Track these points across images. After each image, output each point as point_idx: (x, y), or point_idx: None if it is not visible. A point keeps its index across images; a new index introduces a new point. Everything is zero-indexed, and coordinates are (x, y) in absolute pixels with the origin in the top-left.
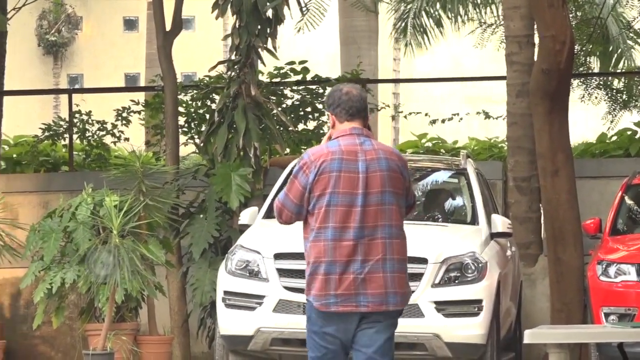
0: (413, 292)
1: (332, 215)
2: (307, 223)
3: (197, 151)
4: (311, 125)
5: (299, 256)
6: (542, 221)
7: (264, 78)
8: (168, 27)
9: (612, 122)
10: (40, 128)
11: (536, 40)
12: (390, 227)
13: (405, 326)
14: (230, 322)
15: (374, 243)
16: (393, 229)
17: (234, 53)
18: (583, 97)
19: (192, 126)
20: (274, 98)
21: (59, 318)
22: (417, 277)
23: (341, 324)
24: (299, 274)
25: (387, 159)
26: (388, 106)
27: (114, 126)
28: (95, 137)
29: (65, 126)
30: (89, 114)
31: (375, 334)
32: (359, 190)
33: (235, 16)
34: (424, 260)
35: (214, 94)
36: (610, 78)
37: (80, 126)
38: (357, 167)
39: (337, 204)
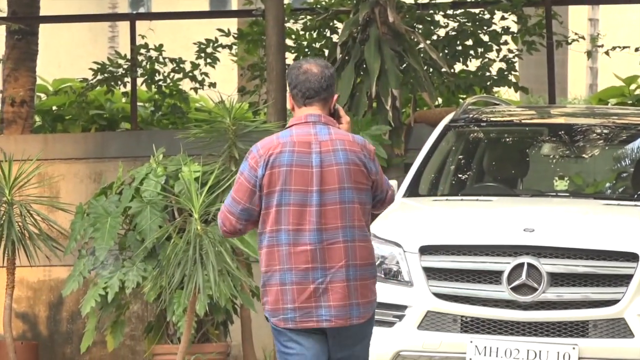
0: (617, 300)
1: (285, 217)
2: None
3: None
4: (473, 65)
5: (456, 250)
6: None
7: None
8: None
9: None
10: (90, 69)
11: None
12: (352, 229)
13: (606, 350)
14: None
15: (335, 248)
16: (356, 230)
17: None
18: None
19: None
20: (421, 27)
21: (116, 337)
22: (624, 279)
23: (307, 340)
24: (455, 275)
25: (347, 150)
26: (582, 38)
27: (195, 66)
28: (169, 81)
29: (125, 67)
30: (159, 49)
31: (345, 350)
32: (314, 187)
33: None
34: (633, 257)
35: (335, 22)
36: None
37: (148, 66)
38: (310, 161)
39: (290, 203)
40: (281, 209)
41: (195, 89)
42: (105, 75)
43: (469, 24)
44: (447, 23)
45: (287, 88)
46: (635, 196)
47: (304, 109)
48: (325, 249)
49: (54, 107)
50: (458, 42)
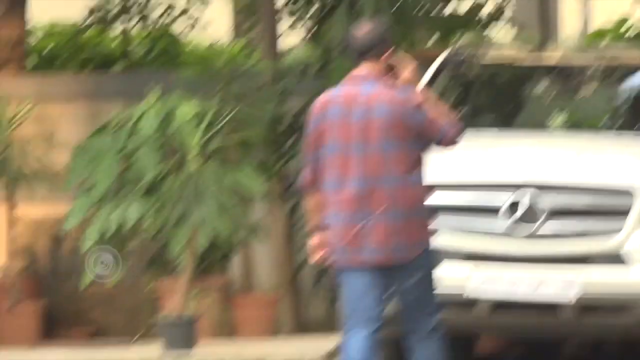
0: (616, 233)
1: (333, 166)
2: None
3: (305, 41)
4: (465, 4)
5: (457, 187)
6: None
7: None
8: None
9: None
10: (84, 11)
11: None
12: (394, 177)
13: (602, 283)
14: None
15: (378, 194)
16: (398, 178)
17: None
18: None
19: (299, 5)
20: None
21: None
22: (622, 213)
23: (360, 275)
24: (457, 210)
25: (390, 103)
26: None
27: (185, 10)
28: (161, 22)
29: (118, 7)
30: None
31: (401, 285)
32: (357, 139)
33: None
34: (631, 191)
35: None
36: None
37: (140, 6)
38: (355, 115)
39: (337, 153)
40: (331, 158)
41: (188, 30)
42: (99, 15)
43: None
44: None
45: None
46: (632, 131)
47: (358, 66)
48: (368, 195)
49: (48, 49)
50: None
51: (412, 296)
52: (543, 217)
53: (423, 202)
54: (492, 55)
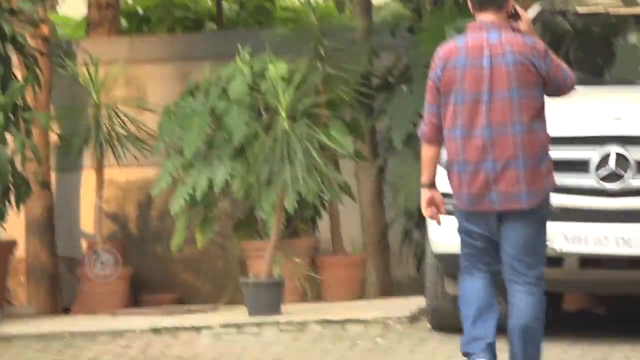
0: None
1: (460, 114)
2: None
3: None
4: None
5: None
6: None
7: None
8: None
9: None
10: None
11: None
12: (520, 124)
13: None
14: (448, 235)
15: (505, 141)
16: (524, 124)
17: None
18: None
19: None
20: None
21: (205, 235)
22: None
23: (481, 221)
24: None
25: (515, 51)
26: None
27: None
28: None
29: None
30: None
31: (515, 233)
32: (485, 86)
33: None
34: None
35: None
36: None
37: None
38: (481, 63)
39: (464, 101)
40: (457, 107)
41: None
42: None
43: None
44: None
45: None
46: None
47: (480, 14)
48: (495, 142)
49: (140, 10)
50: None
51: (523, 246)
52: (632, 170)
53: (547, 149)
54: (584, 5)
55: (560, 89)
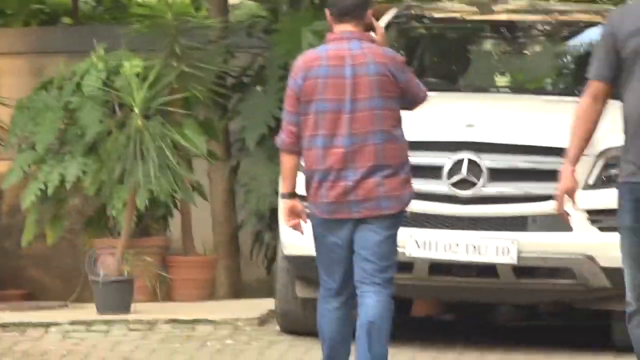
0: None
1: (321, 123)
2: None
3: None
4: None
5: None
6: None
7: None
8: None
9: None
10: None
11: None
12: (382, 133)
13: (544, 244)
14: (299, 237)
15: (366, 150)
16: (386, 134)
17: None
18: None
19: None
20: None
21: (56, 231)
22: (555, 175)
23: (338, 229)
24: None
25: (377, 62)
26: None
27: None
28: None
29: None
30: None
31: (369, 236)
32: (347, 96)
33: None
34: (559, 152)
35: None
36: None
37: None
38: (343, 72)
39: (325, 110)
40: (318, 115)
41: None
42: None
43: None
44: None
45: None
46: (575, 92)
47: (340, 25)
48: (356, 151)
49: None
50: None
51: (375, 249)
52: (484, 177)
53: (407, 158)
54: (440, 11)
55: (414, 102)
